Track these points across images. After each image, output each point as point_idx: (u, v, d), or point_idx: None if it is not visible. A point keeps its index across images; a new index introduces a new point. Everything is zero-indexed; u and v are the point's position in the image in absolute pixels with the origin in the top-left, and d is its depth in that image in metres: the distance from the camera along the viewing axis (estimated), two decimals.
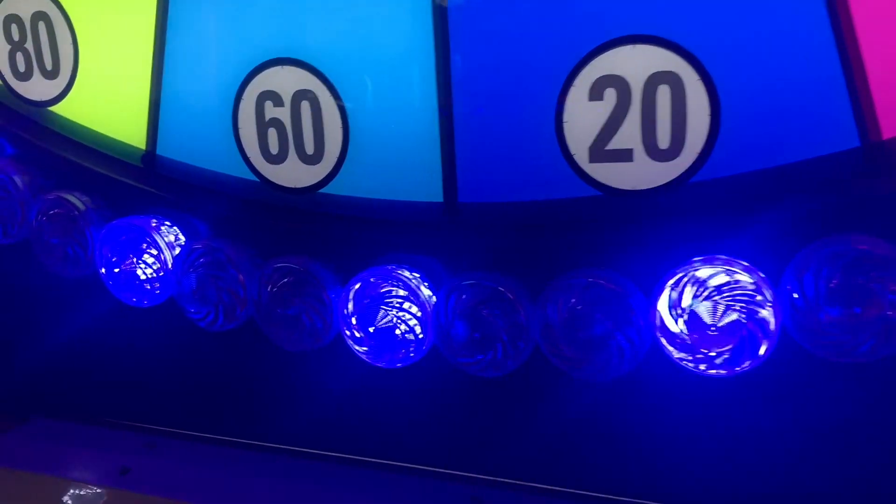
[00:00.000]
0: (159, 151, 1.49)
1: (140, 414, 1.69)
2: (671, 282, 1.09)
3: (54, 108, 1.55)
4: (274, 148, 1.39)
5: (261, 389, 1.55)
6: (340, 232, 1.36)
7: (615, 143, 1.17)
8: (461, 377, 1.26)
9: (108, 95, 1.50)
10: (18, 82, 1.56)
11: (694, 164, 1.14)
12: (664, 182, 1.16)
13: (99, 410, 1.73)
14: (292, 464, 1.55)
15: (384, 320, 1.26)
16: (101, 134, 1.53)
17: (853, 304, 1.01)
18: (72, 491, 1.56)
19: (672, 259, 1.14)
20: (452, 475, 1.42)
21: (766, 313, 1.05)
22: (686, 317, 1.07)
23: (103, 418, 1.73)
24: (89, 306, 1.60)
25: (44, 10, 1.50)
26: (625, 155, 1.17)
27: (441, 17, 1.22)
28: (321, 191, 1.38)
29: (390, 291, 1.25)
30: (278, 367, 1.50)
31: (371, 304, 1.25)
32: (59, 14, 1.49)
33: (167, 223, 1.44)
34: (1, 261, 1.63)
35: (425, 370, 1.30)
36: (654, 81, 1.12)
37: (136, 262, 1.42)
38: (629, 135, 1.16)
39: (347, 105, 1.31)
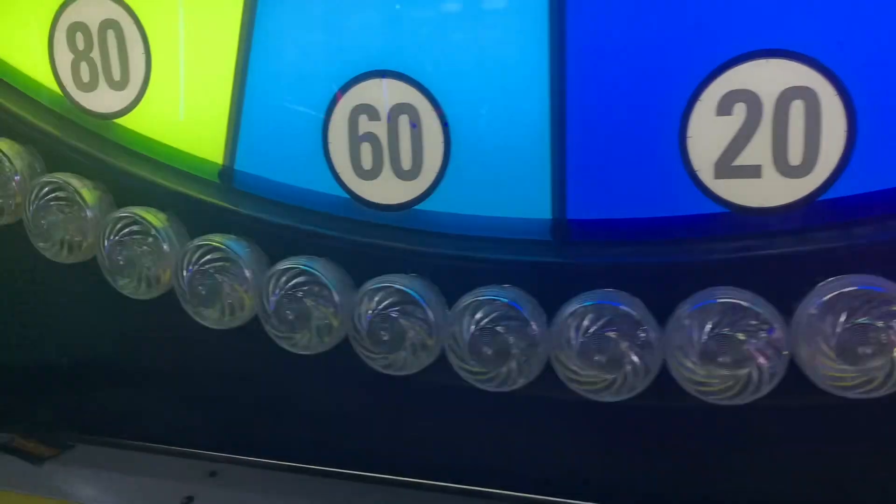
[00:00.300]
0: (238, 167, 1.43)
1: (200, 439, 1.62)
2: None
3: (121, 121, 1.48)
4: (367, 163, 1.33)
5: (331, 413, 1.49)
6: (438, 250, 1.32)
7: (743, 159, 1.14)
8: None
9: (182, 107, 1.44)
10: (81, 93, 1.48)
11: (826, 180, 1.12)
12: (794, 199, 1.13)
13: (153, 436, 1.65)
14: (368, 490, 1.50)
15: None
16: (174, 148, 1.46)
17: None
18: None
19: (800, 277, 1.12)
20: None
21: None
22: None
23: (159, 444, 1.65)
24: (142, 324, 1.52)
25: (114, 17, 1.42)
26: (753, 171, 1.14)
27: (559, 26, 1.19)
28: (416, 207, 1.33)
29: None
30: (352, 392, 1.44)
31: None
32: (132, 22, 1.42)
33: None
34: (53, 274, 1.55)
35: None
36: (787, 97, 1.10)
37: None
38: (758, 151, 1.13)
39: (451, 118, 1.28)
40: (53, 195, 1.37)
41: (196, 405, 1.60)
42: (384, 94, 1.29)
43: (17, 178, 1.45)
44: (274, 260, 1.38)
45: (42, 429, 1.73)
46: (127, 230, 1.34)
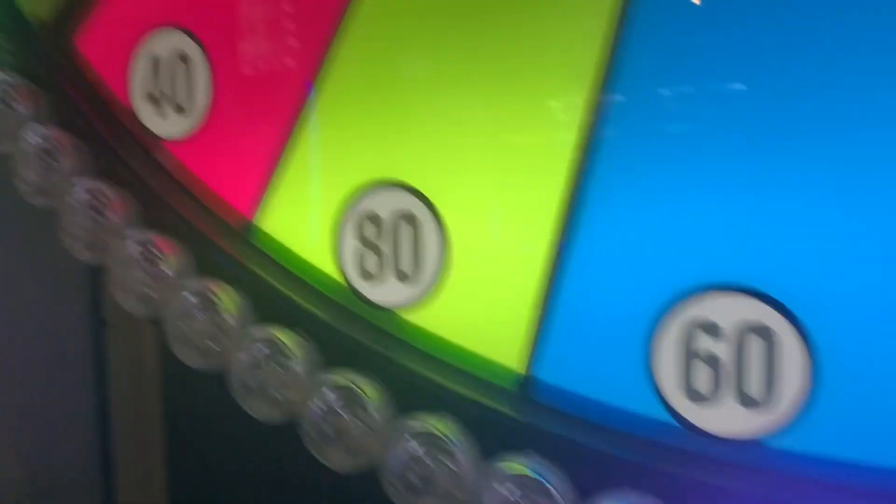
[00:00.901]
0: (539, 375, 1.28)
1: None
2: None
3: (405, 314, 1.40)
4: (704, 387, 1.14)
5: None
6: (798, 497, 1.09)
7: None
8: None
9: (478, 305, 1.32)
10: (365, 284, 1.42)
11: None
12: None
13: None
14: None
15: None
16: (465, 349, 1.34)
17: None
18: None
19: None
20: None
21: None
22: None
23: None
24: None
25: (410, 210, 1.36)
26: None
27: None
28: (768, 443, 1.13)
29: None
30: None
31: None
32: (429, 216, 1.33)
33: None
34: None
35: None
36: None
37: None
38: None
39: (816, 335, 1.08)
40: (342, 401, 1.27)
41: None
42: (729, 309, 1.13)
43: (298, 369, 1.38)
44: (580, 490, 1.20)
45: None
46: (426, 447, 1.20)
